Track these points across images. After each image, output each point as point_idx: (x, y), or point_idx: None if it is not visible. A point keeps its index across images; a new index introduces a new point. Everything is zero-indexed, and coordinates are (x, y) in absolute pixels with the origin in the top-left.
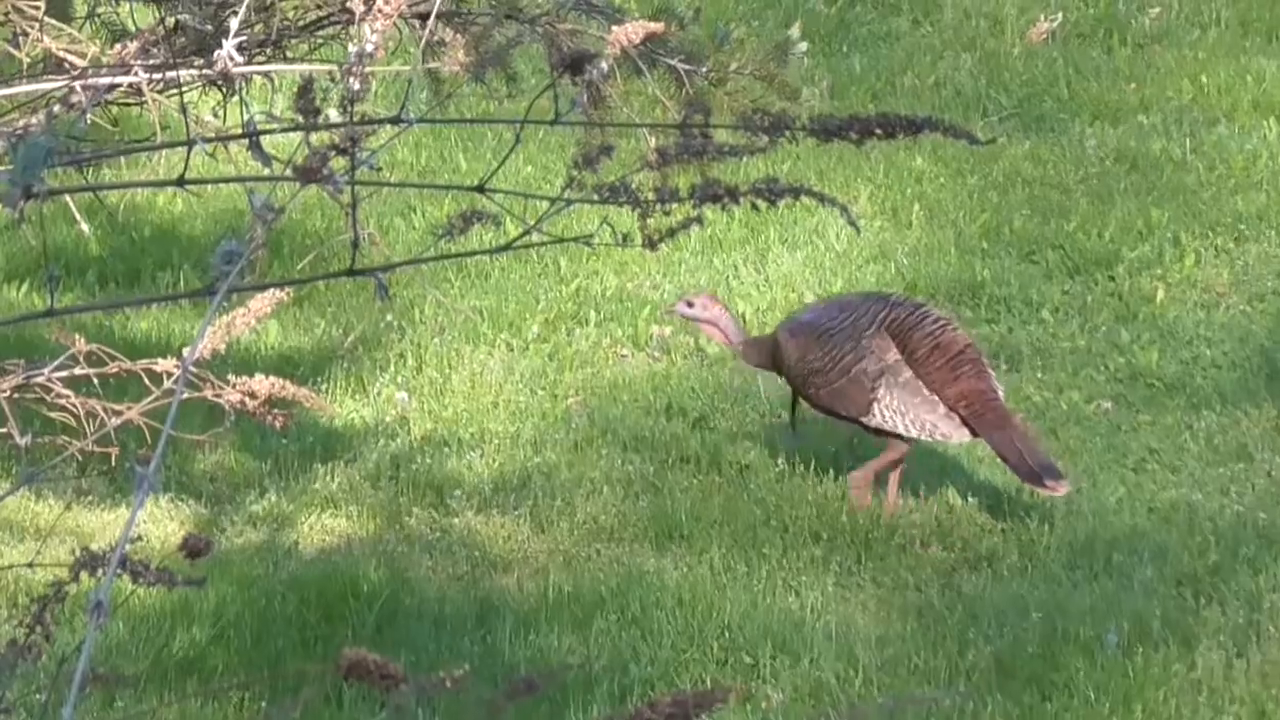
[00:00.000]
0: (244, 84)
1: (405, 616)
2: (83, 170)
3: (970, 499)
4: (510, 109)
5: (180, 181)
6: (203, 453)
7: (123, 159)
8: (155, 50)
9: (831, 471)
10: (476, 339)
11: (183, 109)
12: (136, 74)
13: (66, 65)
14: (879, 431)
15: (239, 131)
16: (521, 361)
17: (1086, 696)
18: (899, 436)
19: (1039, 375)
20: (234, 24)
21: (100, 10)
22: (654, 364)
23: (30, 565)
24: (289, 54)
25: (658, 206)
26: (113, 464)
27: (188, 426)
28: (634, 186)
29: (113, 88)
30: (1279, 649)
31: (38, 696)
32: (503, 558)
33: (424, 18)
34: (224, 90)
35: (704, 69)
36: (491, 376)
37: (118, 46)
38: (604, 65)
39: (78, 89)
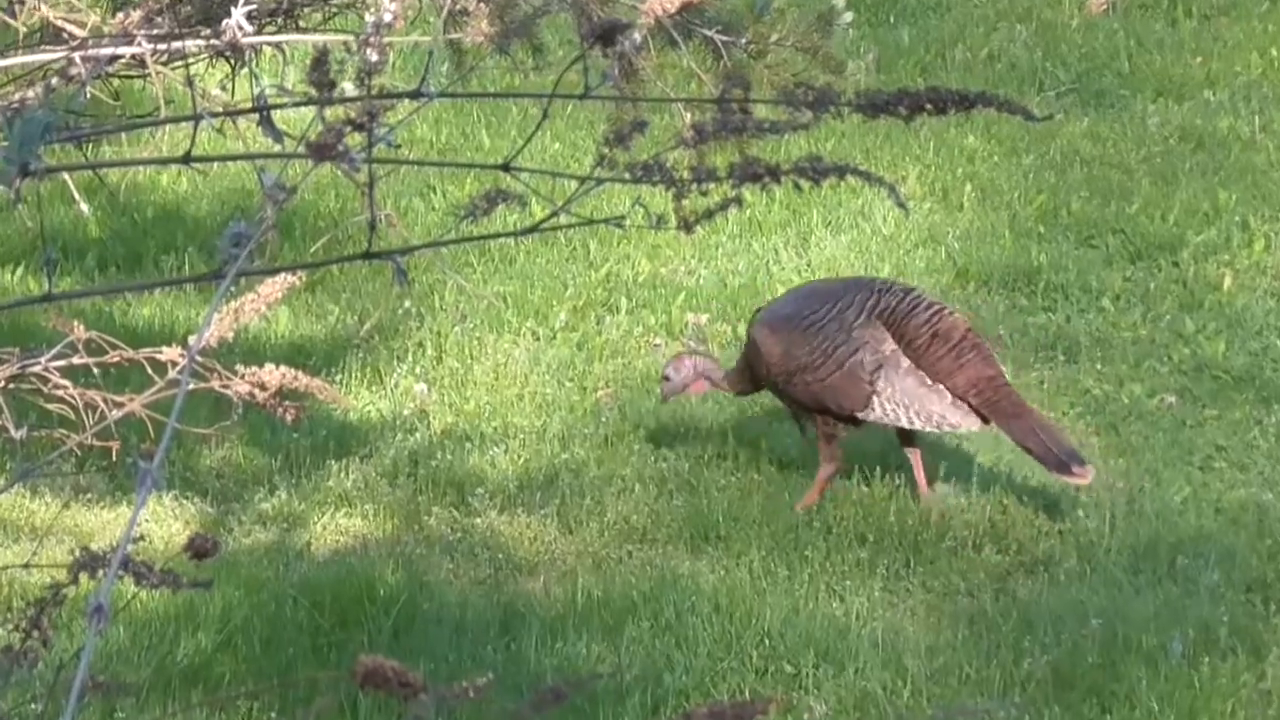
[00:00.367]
0: (254, 55)
1: (424, 622)
2: (82, 147)
3: (1025, 499)
4: (537, 82)
5: (186, 159)
6: (209, 447)
7: (124, 135)
8: (159, 19)
9: (878, 469)
10: (500, 327)
11: (189, 82)
12: (139, 44)
13: (65, 35)
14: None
15: (248, 106)
16: (548, 351)
17: (1149, 709)
18: (902, 430)
19: (1098, 367)
20: None
21: None
22: None
23: (26, 566)
24: (302, 23)
25: (694, 186)
26: (113, 459)
27: (193, 419)
28: (668, 165)
29: (114, 59)
30: None
31: (34, 706)
32: (528, 560)
33: None
34: (232, 62)
35: (743, 40)
36: (516, 367)
37: (119, 15)
38: (637, 36)
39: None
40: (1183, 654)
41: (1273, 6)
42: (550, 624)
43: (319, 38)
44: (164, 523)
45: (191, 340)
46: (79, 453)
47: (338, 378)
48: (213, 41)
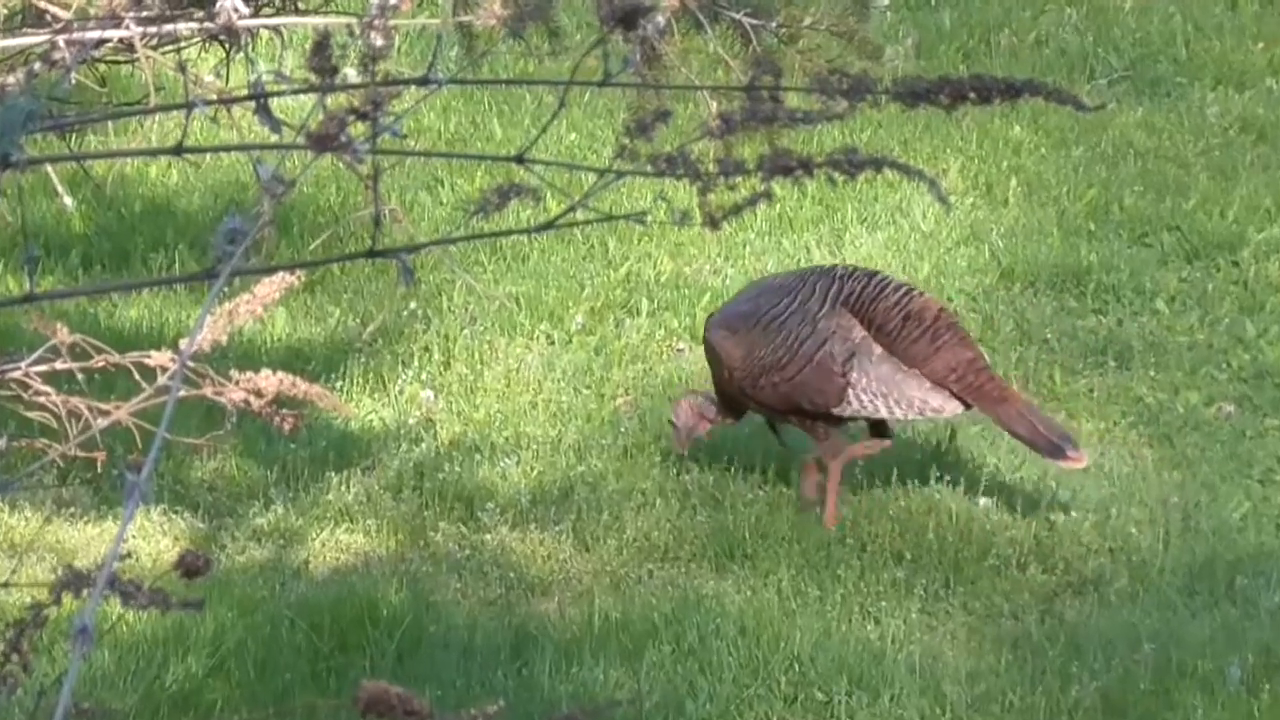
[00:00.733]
0: (250, 39)
1: (430, 646)
2: (66, 137)
3: (1073, 514)
4: (552, 69)
5: (177, 150)
6: (201, 458)
7: (111, 124)
8: (149, 0)
9: (915, 482)
10: (512, 330)
11: (181, 67)
12: (128, 27)
13: (48, 17)
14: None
15: (244, 93)
16: (563, 356)
17: None
18: (879, 423)
19: (1152, 374)
20: None
21: None
22: None
23: (5, 586)
24: (301, 5)
25: (720, 180)
26: (98, 471)
27: (184, 429)
28: (693, 157)
29: (101, 43)
30: None
31: None
32: (541, 580)
33: None
34: (227, 46)
35: (773, 24)
36: (529, 373)
37: None
38: (660, 19)
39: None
40: (1241, 680)
41: None
42: (565, 648)
43: (320, 20)
44: (152, 539)
45: (182, 344)
46: (61, 464)
47: (338, 384)
48: (206, 24)
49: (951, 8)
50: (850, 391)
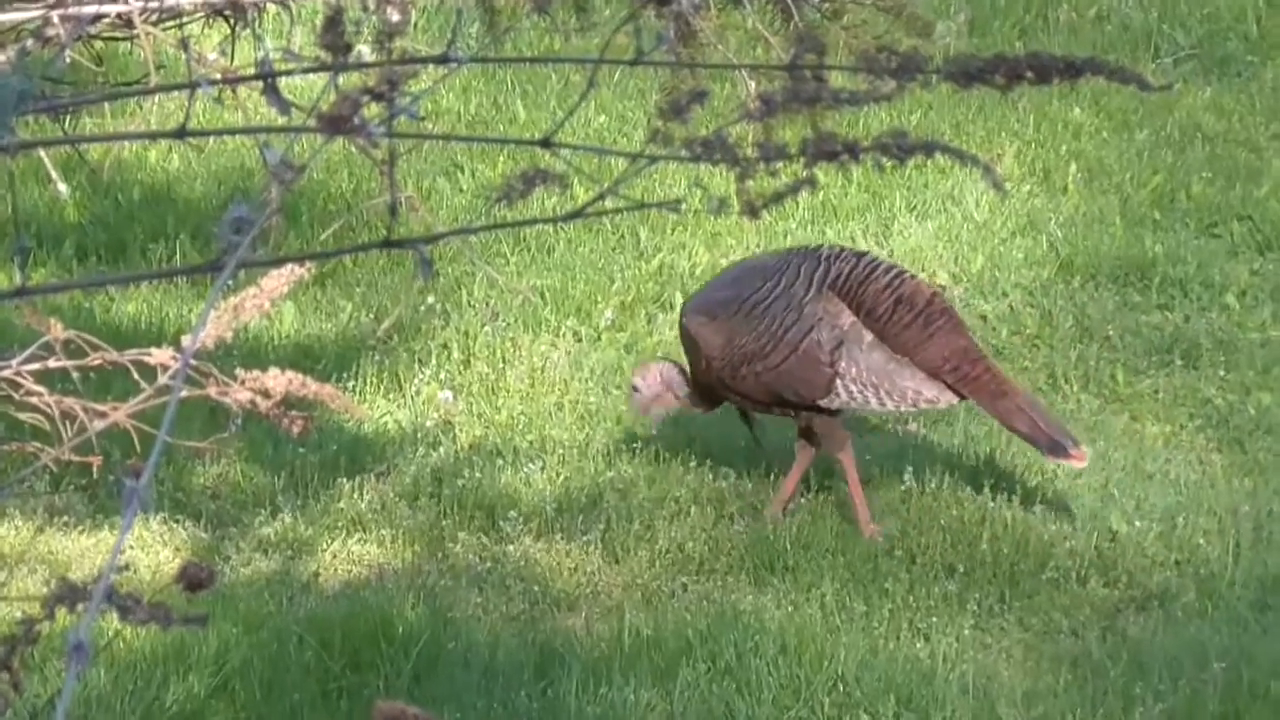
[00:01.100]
0: (257, 14)
1: (449, 664)
2: (60, 119)
3: (1137, 524)
4: (580, 46)
5: (180, 133)
6: (204, 463)
7: (108, 105)
8: None
9: (969, 489)
10: (537, 326)
11: (183, 45)
12: (126, 2)
13: None
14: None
15: (250, 72)
16: (592, 354)
17: None
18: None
19: (1221, 373)
20: None
21: None
22: None
23: None
24: None
25: (760, 165)
26: (94, 477)
27: (186, 431)
28: (731, 141)
29: (97, 18)
30: None
31: None
32: (567, 594)
33: None
34: (232, 22)
35: None
36: (555, 372)
37: None
38: None
39: (55, 20)
40: None
41: None
42: (593, 667)
43: None
44: (152, 550)
45: (184, 341)
46: (55, 469)
47: (351, 384)
48: None
49: None
50: (839, 382)
